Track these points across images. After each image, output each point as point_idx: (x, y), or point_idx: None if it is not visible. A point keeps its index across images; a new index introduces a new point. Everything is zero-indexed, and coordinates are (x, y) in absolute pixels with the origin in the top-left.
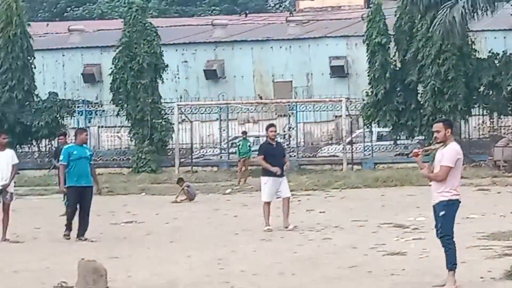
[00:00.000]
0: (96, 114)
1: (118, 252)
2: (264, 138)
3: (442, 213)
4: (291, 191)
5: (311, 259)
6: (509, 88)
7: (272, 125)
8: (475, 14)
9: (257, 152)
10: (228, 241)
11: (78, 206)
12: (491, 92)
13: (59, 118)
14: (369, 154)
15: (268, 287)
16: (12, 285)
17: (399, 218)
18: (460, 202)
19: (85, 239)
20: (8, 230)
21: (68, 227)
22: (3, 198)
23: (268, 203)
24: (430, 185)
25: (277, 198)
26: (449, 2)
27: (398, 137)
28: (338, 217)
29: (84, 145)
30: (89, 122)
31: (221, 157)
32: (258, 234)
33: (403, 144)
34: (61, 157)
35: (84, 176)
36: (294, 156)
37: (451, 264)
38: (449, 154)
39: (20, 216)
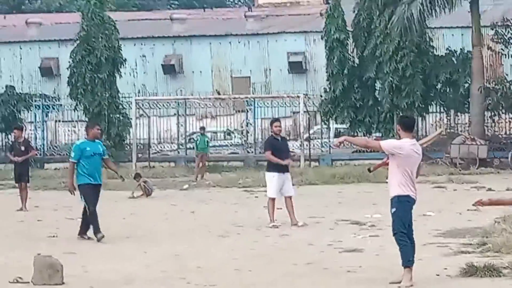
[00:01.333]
0: (54, 108)
1: (75, 247)
2: (221, 134)
3: (393, 210)
4: (248, 187)
5: (267, 256)
6: (466, 85)
7: (277, 119)
8: (433, 11)
9: (263, 148)
10: (185, 237)
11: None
12: (448, 89)
13: (16, 112)
14: (327, 150)
15: (224, 284)
16: None
17: (356, 215)
18: (414, 199)
19: (88, 238)
20: None
21: (87, 227)
22: None
23: (273, 199)
24: (387, 182)
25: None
26: None
27: (355, 134)
28: (295, 213)
29: (97, 140)
30: (46, 116)
31: (178, 153)
32: (215, 230)
33: None
34: (72, 154)
35: (97, 174)
36: (252, 152)
37: (407, 261)
38: (390, 140)
39: None
